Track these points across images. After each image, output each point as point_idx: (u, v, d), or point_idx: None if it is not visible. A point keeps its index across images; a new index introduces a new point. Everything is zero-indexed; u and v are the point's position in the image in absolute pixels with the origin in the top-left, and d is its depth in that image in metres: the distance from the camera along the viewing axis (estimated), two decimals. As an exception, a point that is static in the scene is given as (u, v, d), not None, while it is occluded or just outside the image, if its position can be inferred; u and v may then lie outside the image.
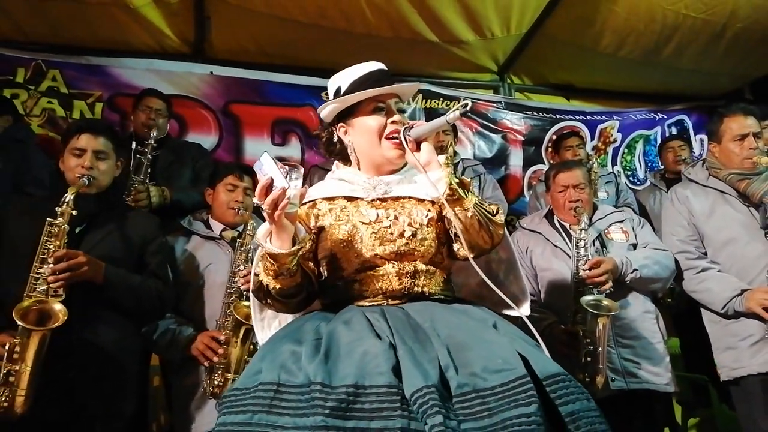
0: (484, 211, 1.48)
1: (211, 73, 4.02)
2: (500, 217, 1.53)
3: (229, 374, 2.17)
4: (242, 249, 2.33)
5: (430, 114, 4.31)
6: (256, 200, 1.30)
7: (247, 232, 2.35)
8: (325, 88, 4.59)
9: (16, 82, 3.59)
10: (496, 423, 1.07)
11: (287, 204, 1.27)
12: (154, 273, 2.17)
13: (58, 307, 1.81)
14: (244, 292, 2.25)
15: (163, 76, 3.86)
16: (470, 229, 1.46)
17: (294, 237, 1.34)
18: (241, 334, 2.20)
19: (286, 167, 1.30)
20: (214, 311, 2.33)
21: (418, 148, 1.50)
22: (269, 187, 1.27)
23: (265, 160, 1.29)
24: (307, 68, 4.14)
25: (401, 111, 1.62)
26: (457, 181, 1.47)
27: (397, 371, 1.14)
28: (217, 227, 2.51)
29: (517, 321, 1.49)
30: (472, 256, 1.44)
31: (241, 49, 4.05)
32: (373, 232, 1.48)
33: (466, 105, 1.42)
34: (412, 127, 1.51)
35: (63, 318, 1.78)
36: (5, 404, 1.72)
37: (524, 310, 1.59)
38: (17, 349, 1.75)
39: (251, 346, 2.21)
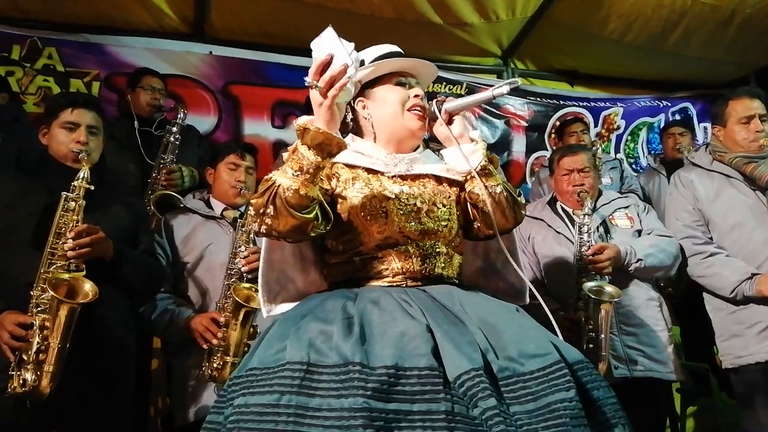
0: (510, 190, 1.50)
1: (211, 53, 3.95)
2: (522, 199, 1.55)
3: (228, 357, 2.13)
4: (243, 230, 2.28)
5: (431, 98, 4.25)
6: (307, 79, 1.20)
7: (249, 212, 2.31)
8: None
9: (12, 59, 3.51)
10: (542, 407, 1.06)
11: (346, 84, 1.17)
12: (147, 251, 2.14)
13: (87, 286, 1.78)
14: (245, 274, 2.21)
15: (162, 55, 3.79)
16: (498, 206, 1.47)
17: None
18: (241, 317, 2.14)
19: (351, 47, 1.19)
20: (214, 292, 2.29)
21: (449, 122, 1.50)
22: (327, 65, 1.18)
23: (327, 35, 1.18)
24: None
25: None
26: (489, 158, 1.49)
27: (436, 354, 1.12)
28: (218, 207, 2.46)
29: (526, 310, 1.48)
30: (495, 233, 1.45)
31: (241, 29, 3.97)
32: (399, 208, 1.43)
33: (516, 82, 1.41)
34: (444, 101, 1.50)
35: (93, 296, 1.76)
36: (34, 383, 1.68)
37: (521, 302, 1.59)
38: (47, 324, 1.71)
39: (251, 329, 2.17)
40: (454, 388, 1.07)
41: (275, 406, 1.08)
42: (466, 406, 1.05)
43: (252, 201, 1.32)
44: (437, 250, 1.45)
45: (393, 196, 1.44)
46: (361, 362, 1.08)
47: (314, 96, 1.22)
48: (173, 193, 2.78)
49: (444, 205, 1.48)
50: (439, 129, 1.51)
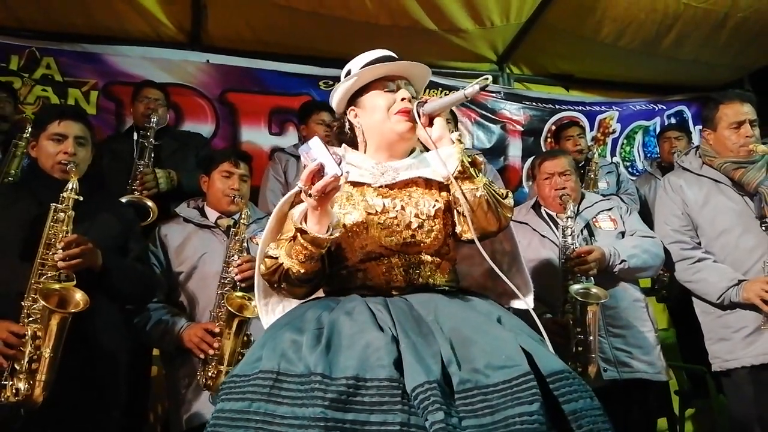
0: (493, 192, 1.46)
1: (208, 61, 3.99)
2: (509, 201, 1.51)
3: (222, 366, 2.13)
4: (237, 238, 2.29)
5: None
6: (299, 184, 1.27)
7: (242, 221, 2.32)
8: (323, 77, 4.53)
9: (10, 69, 3.56)
10: (498, 421, 1.05)
11: (337, 191, 1.27)
12: (139, 259, 2.16)
13: (78, 295, 1.80)
14: (238, 283, 2.22)
15: (159, 64, 3.83)
16: (477, 210, 1.43)
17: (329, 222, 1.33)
18: (234, 326, 2.15)
19: (338, 153, 1.28)
20: (207, 302, 2.30)
21: (430, 124, 1.48)
22: (318, 173, 1.24)
23: (315, 144, 1.26)
24: (305, 57, 4.11)
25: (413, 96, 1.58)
26: (470, 160, 1.45)
27: (399, 365, 1.13)
28: (212, 215, 2.47)
29: (521, 314, 1.47)
30: (476, 237, 1.41)
31: (237, 37, 4.00)
32: (379, 223, 1.44)
33: (487, 79, 1.39)
34: (425, 103, 1.48)
35: (84, 305, 1.78)
36: (27, 392, 1.69)
37: (528, 303, 1.56)
38: (39, 334, 1.73)
39: (245, 338, 2.18)
40: (412, 400, 1.07)
41: (246, 412, 1.12)
42: None
43: (264, 276, 1.43)
44: (422, 259, 1.45)
45: (373, 212, 1.45)
46: (322, 373, 1.10)
47: (307, 200, 1.29)
48: (136, 198, 2.77)
49: (428, 216, 1.46)
50: (419, 132, 1.49)
